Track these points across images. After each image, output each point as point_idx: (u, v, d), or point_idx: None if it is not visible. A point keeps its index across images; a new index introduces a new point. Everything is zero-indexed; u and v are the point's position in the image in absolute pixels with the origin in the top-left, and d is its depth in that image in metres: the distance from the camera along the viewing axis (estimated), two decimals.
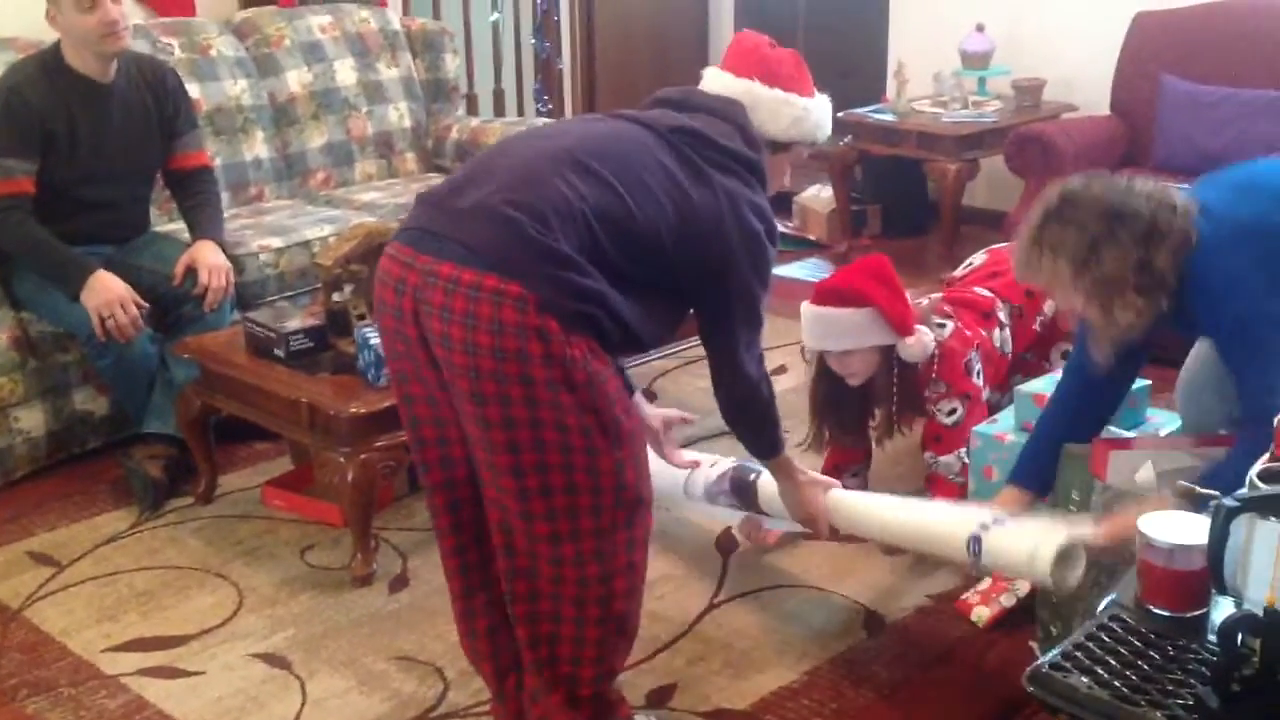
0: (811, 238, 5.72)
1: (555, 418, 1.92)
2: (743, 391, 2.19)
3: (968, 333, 3.12)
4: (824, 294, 3.01)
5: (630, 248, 1.98)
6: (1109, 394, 2.61)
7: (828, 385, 3.12)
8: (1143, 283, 2.27)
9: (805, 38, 7.44)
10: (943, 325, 3.10)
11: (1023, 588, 2.76)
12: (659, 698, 2.55)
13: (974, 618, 2.78)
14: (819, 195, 5.79)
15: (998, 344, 3.20)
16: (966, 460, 3.03)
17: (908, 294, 3.05)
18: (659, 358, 3.81)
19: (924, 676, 2.61)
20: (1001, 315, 3.23)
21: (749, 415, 2.25)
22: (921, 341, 2.99)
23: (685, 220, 2.02)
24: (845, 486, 3.10)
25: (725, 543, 3.12)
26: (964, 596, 2.84)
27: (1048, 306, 3.25)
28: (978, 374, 3.10)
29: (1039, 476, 2.61)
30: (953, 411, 3.05)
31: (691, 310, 2.15)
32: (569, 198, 1.94)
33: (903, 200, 5.69)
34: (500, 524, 2.05)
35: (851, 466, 3.26)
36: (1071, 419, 2.61)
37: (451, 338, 1.91)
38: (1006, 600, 2.77)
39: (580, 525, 2.00)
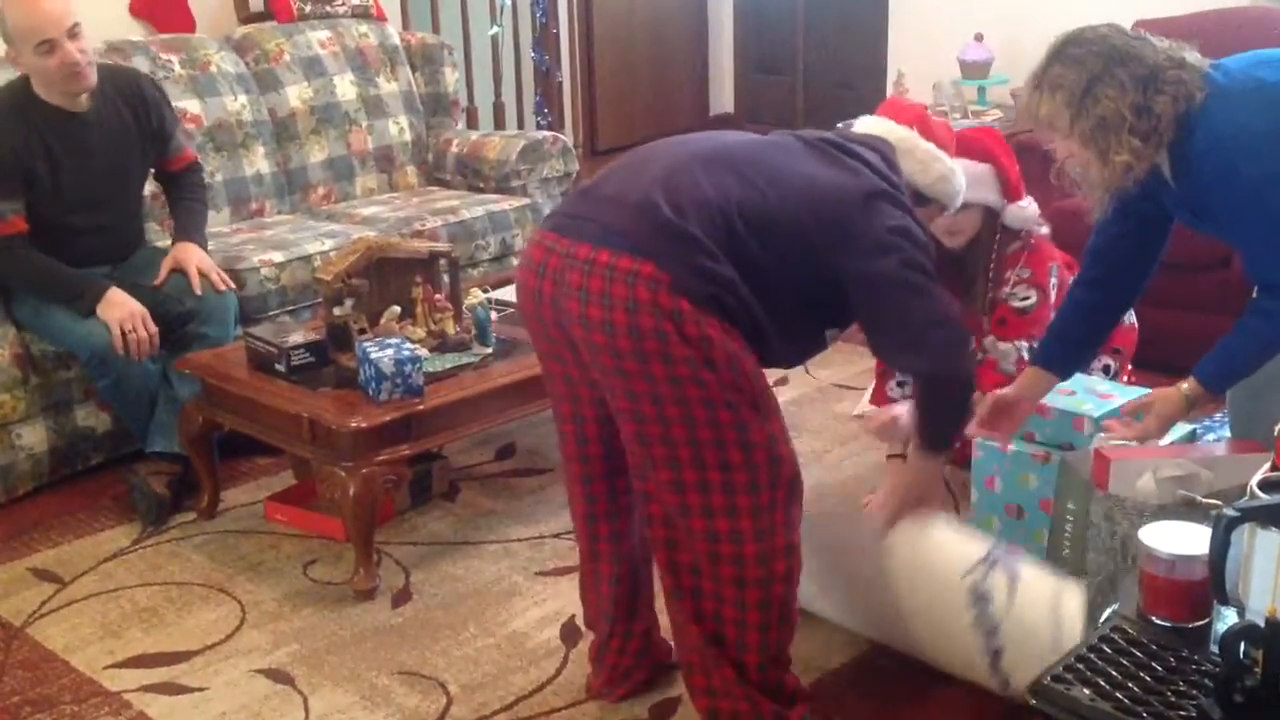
0: None
1: (701, 394, 2.00)
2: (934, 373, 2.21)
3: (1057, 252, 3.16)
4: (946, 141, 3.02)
5: (770, 237, 2.04)
6: (1133, 271, 2.60)
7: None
8: (1140, 126, 2.24)
9: (804, 50, 7.46)
10: (1042, 226, 3.14)
11: None
12: (663, 711, 2.54)
13: None
14: None
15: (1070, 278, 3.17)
16: (1025, 355, 3.02)
17: None
18: None
19: (929, 687, 2.60)
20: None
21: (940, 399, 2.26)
22: (1031, 209, 3.04)
23: (823, 197, 2.08)
24: (893, 395, 3.21)
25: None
26: None
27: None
28: (1054, 286, 3.12)
29: (1062, 360, 2.64)
30: (1027, 299, 3.07)
31: (842, 326, 2.23)
32: (706, 190, 2.04)
33: None
34: (649, 496, 2.16)
35: (900, 375, 3.20)
36: (1096, 299, 2.61)
37: (590, 318, 2.01)
38: None
39: (736, 502, 2.05)
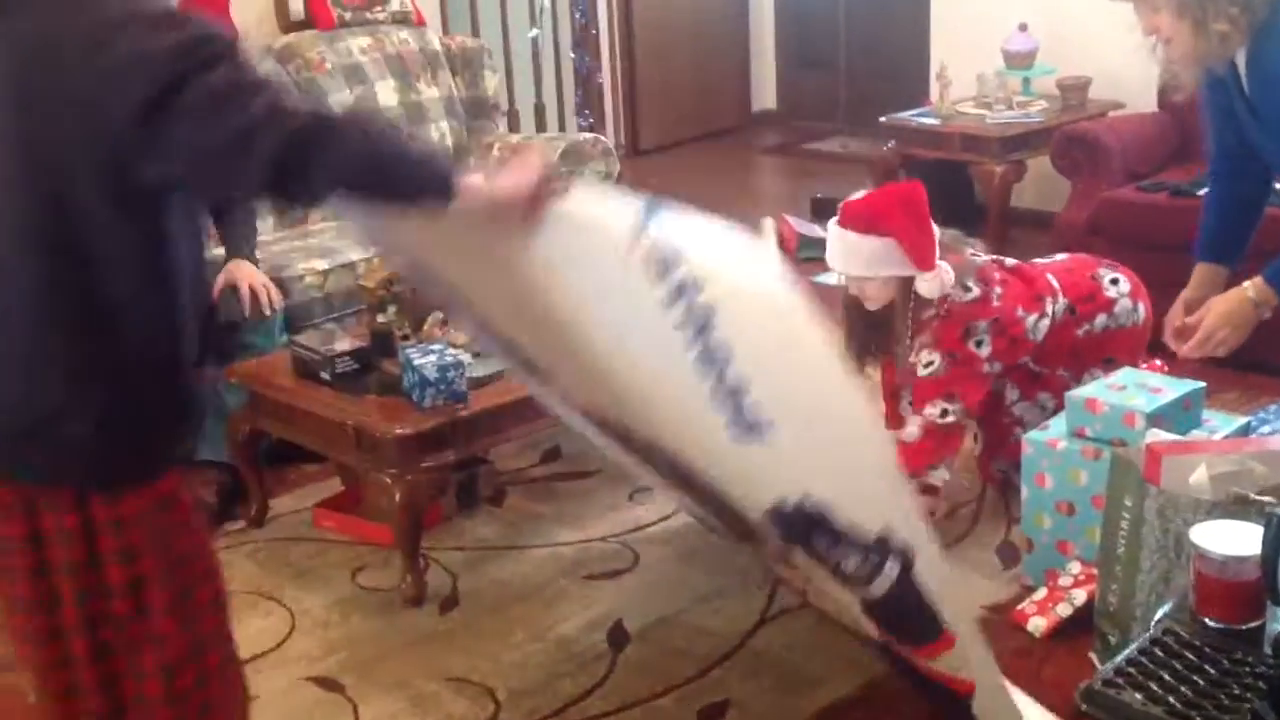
0: None
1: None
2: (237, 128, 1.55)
3: (995, 303, 3.06)
4: (849, 215, 2.99)
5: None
6: (1256, 160, 2.58)
7: (855, 308, 3.12)
8: None
9: (847, 43, 7.42)
10: (969, 290, 3.04)
11: (1079, 596, 2.71)
12: (711, 716, 2.54)
13: (1030, 629, 2.73)
14: None
15: (1028, 327, 3.12)
16: (939, 420, 2.98)
17: (962, 250, 3.06)
18: None
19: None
20: (1050, 307, 3.16)
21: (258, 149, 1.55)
22: (940, 279, 2.96)
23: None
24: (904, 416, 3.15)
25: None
26: (1020, 607, 2.79)
27: (1099, 321, 3.20)
28: (978, 344, 3.04)
29: (1224, 246, 2.66)
30: (930, 364, 3.02)
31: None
32: None
33: (949, 204, 5.60)
34: None
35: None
36: (1231, 190, 2.64)
37: None
38: (1063, 610, 2.72)
39: None
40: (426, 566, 3.09)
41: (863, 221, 2.95)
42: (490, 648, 2.80)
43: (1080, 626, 2.66)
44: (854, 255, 2.99)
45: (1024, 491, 2.92)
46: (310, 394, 3.13)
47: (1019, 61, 5.36)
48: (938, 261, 2.98)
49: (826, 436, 1.58)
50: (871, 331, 3.16)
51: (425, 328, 3.21)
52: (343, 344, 3.19)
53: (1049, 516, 2.86)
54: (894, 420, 3.23)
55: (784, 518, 1.63)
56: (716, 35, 7.61)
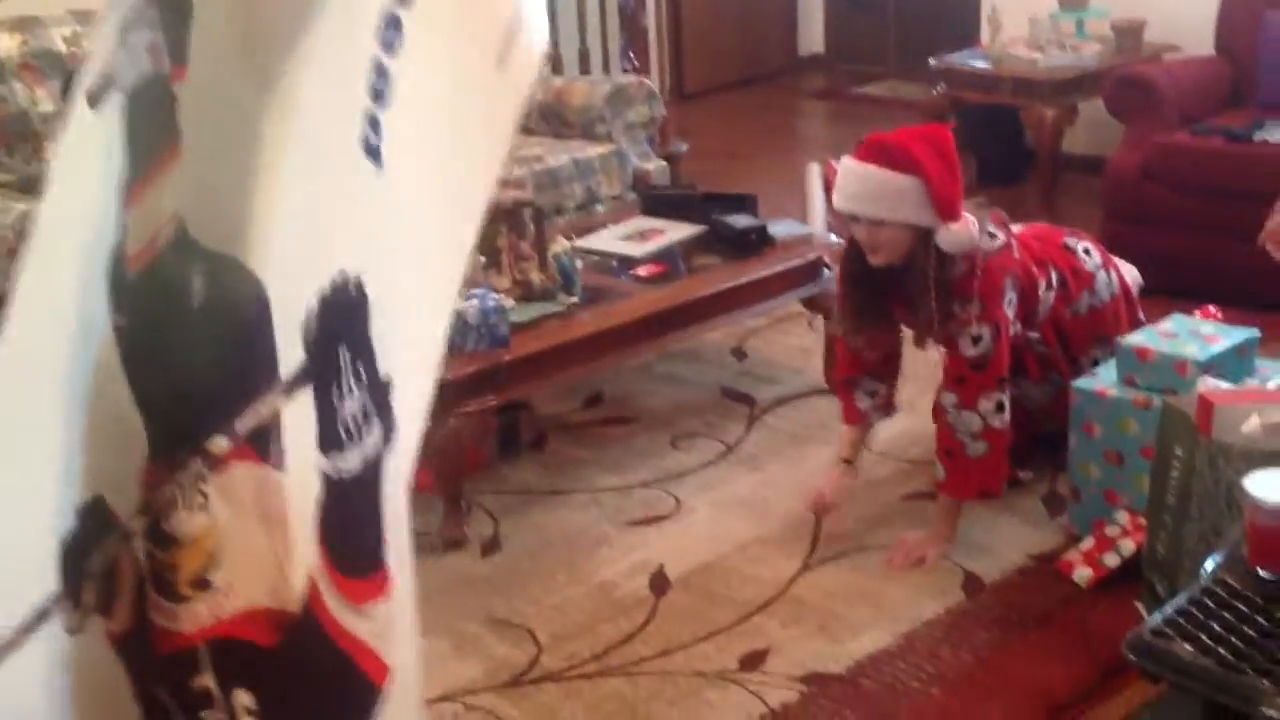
0: None
1: None
2: None
3: (1016, 254, 2.78)
4: (871, 149, 2.67)
5: None
6: None
7: (857, 260, 2.76)
8: None
9: None
10: (994, 236, 2.73)
11: (1127, 546, 2.68)
12: (752, 661, 2.53)
13: (1076, 578, 2.71)
14: None
15: (1040, 293, 2.88)
16: (995, 424, 2.70)
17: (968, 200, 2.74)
18: (750, 317, 3.75)
19: (1024, 639, 2.56)
20: (1052, 275, 2.92)
21: None
22: (967, 232, 2.63)
23: None
24: (863, 411, 2.93)
25: (818, 502, 3.08)
26: (1065, 556, 2.77)
27: (1084, 301, 2.99)
28: (1010, 303, 2.75)
29: None
30: (979, 339, 2.67)
31: None
32: None
33: (999, 148, 5.55)
34: None
35: (867, 382, 2.93)
36: None
37: None
38: (1110, 560, 2.70)
39: None
40: (468, 510, 3.10)
41: (887, 156, 2.63)
42: (532, 591, 2.81)
43: (1127, 576, 2.64)
44: (873, 194, 2.64)
45: (1071, 440, 2.88)
46: None
47: (1073, 3, 5.25)
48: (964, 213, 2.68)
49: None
50: (873, 296, 2.81)
51: (468, 272, 3.20)
52: None
53: (1097, 466, 2.84)
54: (851, 414, 2.98)
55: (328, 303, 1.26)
56: None
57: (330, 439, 1.29)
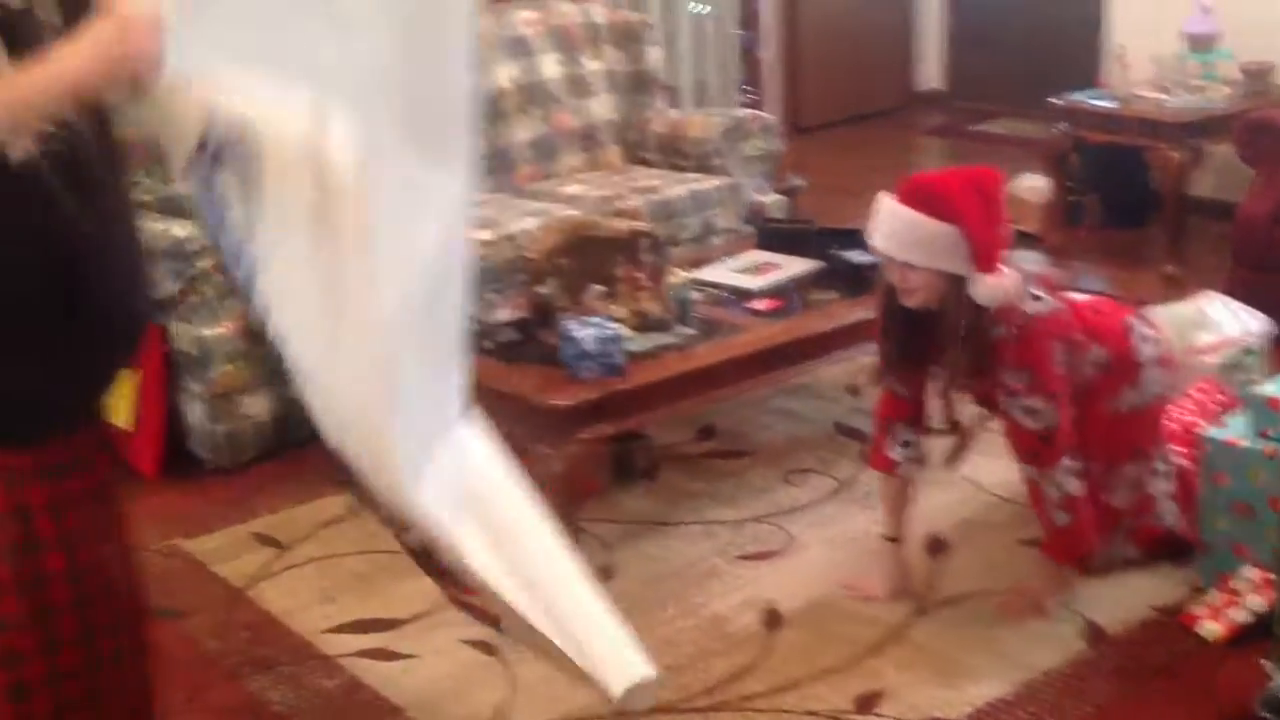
0: (1025, 230, 5.52)
1: None
2: None
3: (1064, 319, 2.64)
4: (911, 190, 2.58)
5: None
6: None
7: (894, 299, 2.66)
8: None
9: (1018, 21, 7.22)
10: (1039, 299, 2.61)
11: (1257, 603, 2.60)
12: (867, 703, 2.50)
13: (1201, 632, 2.64)
14: (1032, 185, 5.59)
15: (1083, 369, 2.70)
16: (1072, 490, 2.60)
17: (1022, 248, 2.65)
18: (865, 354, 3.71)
19: (1146, 693, 2.49)
20: (1095, 353, 2.73)
21: None
22: (1002, 285, 2.51)
23: None
24: (894, 460, 2.81)
25: (934, 544, 3.04)
26: (1191, 609, 2.70)
27: (1125, 398, 2.77)
28: (1059, 364, 2.63)
29: None
30: (1035, 412, 2.58)
31: None
32: None
33: (1123, 190, 5.45)
34: None
35: (901, 430, 2.80)
36: None
37: None
38: (1238, 615, 2.62)
39: None
40: (581, 538, 3.10)
41: (926, 200, 2.53)
42: (643, 622, 2.78)
43: (1253, 633, 2.56)
44: (905, 237, 2.55)
45: (1201, 490, 2.81)
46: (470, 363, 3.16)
47: (1200, 44, 5.14)
48: (1001, 266, 2.56)
49: None
50: (914, 335, 2.68)
51: (585, 300, 3.22)
52: (503, 314, 3.21)
53: (1225, 518, 2.76)
54: (880, 460, 2.86)
55: None
56: (880, 12, 7.48)
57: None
